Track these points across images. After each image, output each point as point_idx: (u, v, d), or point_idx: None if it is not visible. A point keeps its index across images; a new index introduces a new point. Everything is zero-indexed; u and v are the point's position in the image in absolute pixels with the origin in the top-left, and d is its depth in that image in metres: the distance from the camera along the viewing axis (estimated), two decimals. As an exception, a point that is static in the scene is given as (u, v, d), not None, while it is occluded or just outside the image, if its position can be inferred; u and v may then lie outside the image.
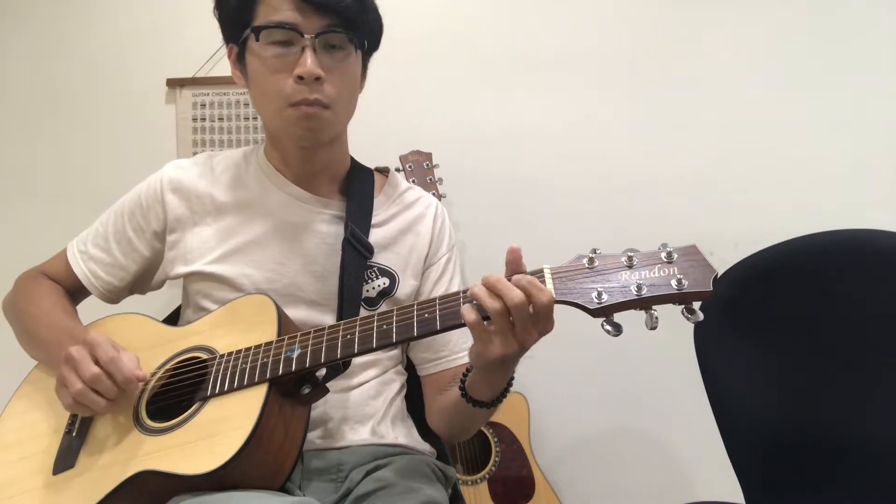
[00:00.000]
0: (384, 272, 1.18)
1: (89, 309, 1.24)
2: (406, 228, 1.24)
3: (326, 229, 1.18)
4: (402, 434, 1.17)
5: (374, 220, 1.21)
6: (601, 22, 2.24)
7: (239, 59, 1.14)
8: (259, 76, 1.09)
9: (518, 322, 0.86)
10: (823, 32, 2.16)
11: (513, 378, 1.01)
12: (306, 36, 1.04)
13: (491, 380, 0.99)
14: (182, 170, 1.21)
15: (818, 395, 1.27)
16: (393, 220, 1.23)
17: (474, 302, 0.87)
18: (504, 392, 1.02)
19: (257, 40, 1.06)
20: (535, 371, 2.15)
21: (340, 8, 1.05)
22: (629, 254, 0.87)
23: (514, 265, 0.90)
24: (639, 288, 0.83)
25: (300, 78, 1.04)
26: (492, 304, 0.85)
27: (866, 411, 1.23)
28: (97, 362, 0.97)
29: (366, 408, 1.14)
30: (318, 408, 1.09)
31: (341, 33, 1.07)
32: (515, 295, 0.84)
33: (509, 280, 0.86)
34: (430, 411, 1.22)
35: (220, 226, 1.17)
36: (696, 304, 0.84)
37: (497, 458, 1.97)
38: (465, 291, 0.91)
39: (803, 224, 1.36)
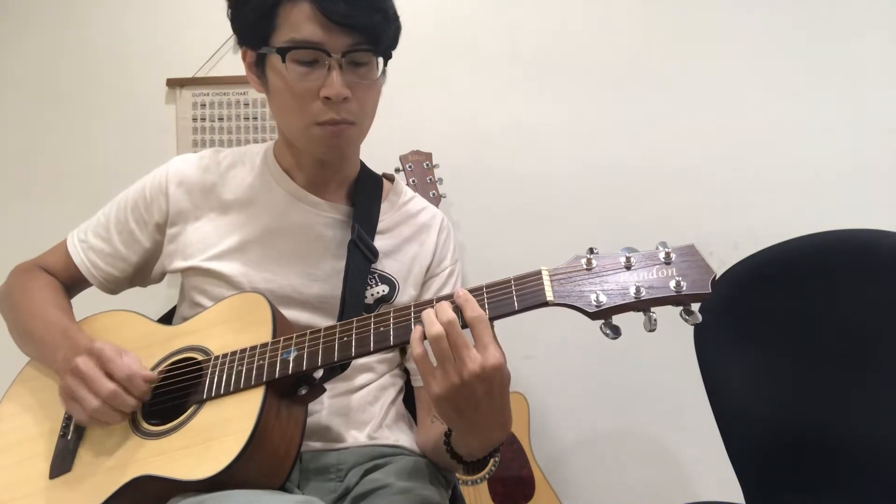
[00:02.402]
0: (385, 279, 1.17)
1: (86, 303, 1.24)
2: (410, 237, 1.23)
3: (330, 233, 1.17)
4: (401, 435, 1.17)
5: (378, 227, 1.20)
6: (600, 21, 2.25)
7: (256, 66, 1.10)
8: (282, 94, 1.06)
9: (453, 344, 0.84)
10: (824, 32, 2.16)
11: (492, 457, 1.00)
12: (333, 55, 1.01)
13: (465, 442, 0.98)
14: (188, 164, 1.20)
15: (818, 395, 1.27)
16: (396, 227, 1.23)
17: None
18: (483, 460, 1.01)
19: (283, 61, 1.03)
20: (535, 371, 2.16)
21: (368, 26, 1.02)
22: (627, 254, 0.86)
23: None
24: (637, 290, 0.83)
25: (327, 98, 1.02)
26: (431, 328, 0.85)
27: (867, 411, 1.23)
28: (110, 376, 0.96)
29: (363, 414, 1.14)
30: (316, 413, 1.09)
31: (368, 51, 1.04)
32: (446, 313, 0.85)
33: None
34: (420, 429, 1.21)
35: (222, 222, 1.16)
36: (695, 306, 0.83)
37: (497, 458, 1.97)
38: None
39: (803, 224, 1.36)
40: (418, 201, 1.30)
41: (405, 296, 1.19)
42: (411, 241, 1.23)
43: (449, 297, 0.90)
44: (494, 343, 0.86)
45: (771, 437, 1.29)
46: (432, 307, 0.89)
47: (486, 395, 0.86)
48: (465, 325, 0.86)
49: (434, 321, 0.85)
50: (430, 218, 1.27)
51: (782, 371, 1.30)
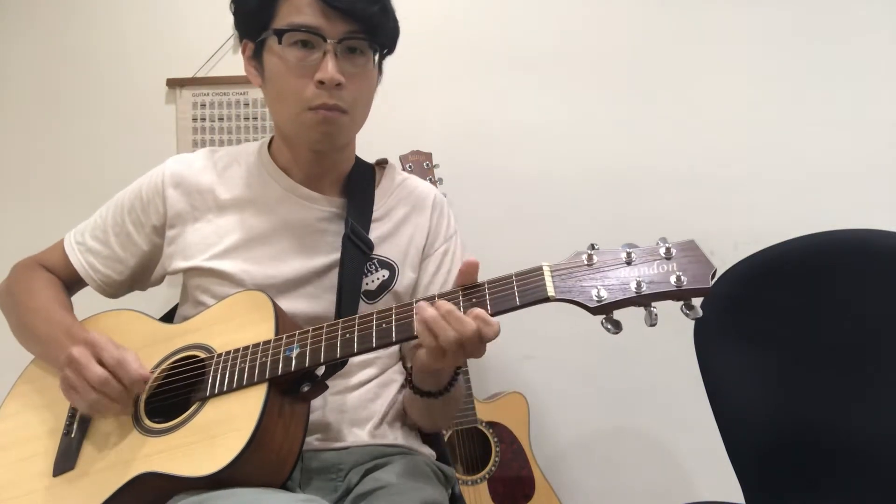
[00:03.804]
0: (384, 264, 1.18)
1: (86, 304, 1.24)
2: (404, 219, 1.23)
3: (327, 227, 1.17)
4: (402, 435, 1.17)
5: (374, 215, 1.20)
6: (600, 21, 2.25)
7: (255, 57, 1.13)
8: (278, 78, 1.08)
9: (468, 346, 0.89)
10: (824, 32, 2.16)
11: (459, 369, 1.06)
12: (329, 41, 1.03)
13: (436, 376, 1.03)
14: (184, 164, 1.21)
15: (818, 395, 1.27)
16: (391, 211, 1.23)
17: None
18: (451, 383, 1.06)
19: (279, 42, 1.05)
20: (535, 371, 2.16)
21: (365, 15, 1.04)
22: (627, 250, 0.87)
23: (467, 277, 0.94)
24: (638, 285, 0.83)
25: (321, 83, 1.04)
26: (445, 334, 0.89)
27: (866, 411, 1.23)
28: (101, 363, 0.97)
29: (364, 411, 1.14)
30: (317, 411, 1.09)
31: (363, 39, 1.06)
32: (468, 328, 0.88)
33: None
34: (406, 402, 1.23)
35: (221, 222, 1.17)
36: (696, 300, 0.84)
37: (497, 458, 1.97)
38: (463, 288, 0.91)
39: (803, 224, 1.37)
40: (411, 181, 1.30)
41: (405, 279, 1.19)
42: (406, 223, 1.23)
43: (454, 294, 0.94)
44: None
45: (771, 436, 1.29)
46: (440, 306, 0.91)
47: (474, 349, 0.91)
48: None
49: (426, 307, 0.90)
50: (423, 197, 1.27)
51: (782, 371, 1.30)
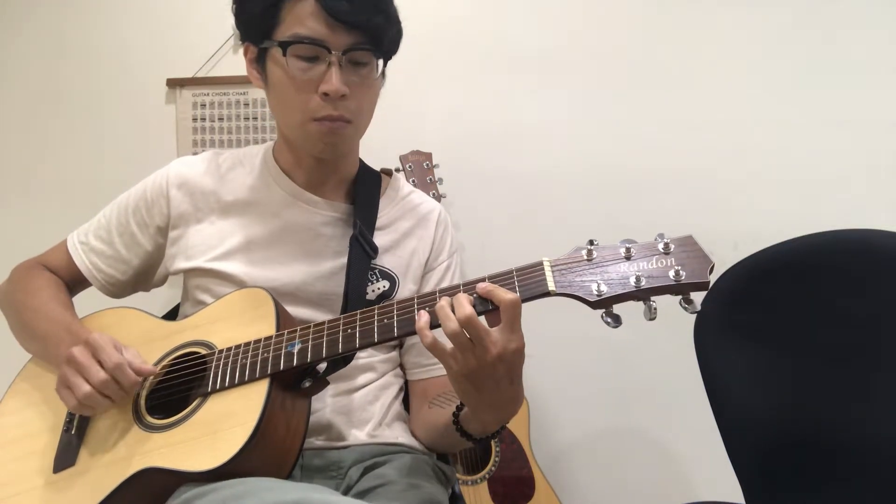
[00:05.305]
0: (385, 275, 1.18)
1: (88, 302, 1.24)
2: (408, 232, 1.24)
3: (331, 231, 1.18)
4: (401, 434, 1.17)
5: (377, 223, 1.21)
6: (600, 21, 2.25)
7: (257, 61, 1.12)
8: (282, 88, 1.08)
9: (474, 336, 0.85)
10: (824, 31, 2.16)
11: (503, 428, 1.01)
12: (333, 52, 1.03)
13: (481, 418, 0.98)
14: (188, 166, 1.21)
15: (818, 395, 1.27)
16: (395, 222, 1.23)
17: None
18: (493, 434, 1.02)
19: (284, 54, 1.04)
20: (534, 371, 2.15)
21: (369, 26, 1.04)
22: (627, 245, 0.88)
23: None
24: (637, 280, 0.84)
25: (325, 94, 1.04)
26: (448, 323, 0.85)
27: (866, 411, 1.23)
28: (102, 365, 0.97)
29: (363, 413, 1.14)
30: (319, 412, 1.10)
31: (368, 50, 1.06)
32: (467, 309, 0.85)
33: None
34: (416, 419, 1.21)
35: (224, 224, 1.17)
36: (694, 295, 0.84)
37: (497, 458, 1.97)
38: (465, 284, 0.91)
39: (803, 224, 1.36)
40: (417, 195, 1.30)
41: (405, 290, 1.19)
42: (410, 236, 1.23)
43: (455, 288, 0.91)
44: (520, 328, 0.87)
45: (771, 436, 1.29)
46: (445, 297, 0.89)
47: (507, 373, 0.88)
48: (492, 309, 0.87)
49: (450, 316, 0.86)
50: (428, 212, 1.28)
51: (782, 371, 1.29)
